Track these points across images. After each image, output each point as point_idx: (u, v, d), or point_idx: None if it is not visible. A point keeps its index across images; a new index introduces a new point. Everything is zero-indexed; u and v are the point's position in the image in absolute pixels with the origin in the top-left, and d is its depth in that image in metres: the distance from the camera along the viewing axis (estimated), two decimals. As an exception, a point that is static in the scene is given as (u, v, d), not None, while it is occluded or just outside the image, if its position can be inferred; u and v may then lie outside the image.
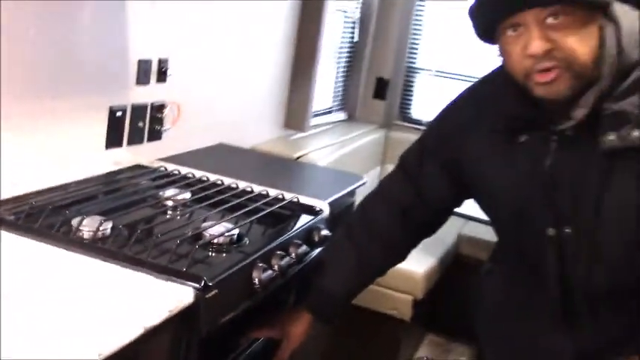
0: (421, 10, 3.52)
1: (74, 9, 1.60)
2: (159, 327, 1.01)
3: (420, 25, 3.53)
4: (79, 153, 1.72)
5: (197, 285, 1.10)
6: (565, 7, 1.04)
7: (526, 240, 1.25)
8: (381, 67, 3.54)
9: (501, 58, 1.15)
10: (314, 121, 3.02)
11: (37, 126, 1.56)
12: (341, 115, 3.47)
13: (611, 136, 1.09)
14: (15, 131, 1.49)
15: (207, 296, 1.10)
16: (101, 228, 1.24)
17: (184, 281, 1.10)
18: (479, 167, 1.27)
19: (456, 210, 1.46)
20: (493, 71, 1.29)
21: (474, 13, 1.14)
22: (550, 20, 1.05)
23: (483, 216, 1.36)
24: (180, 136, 2.08)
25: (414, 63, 3.58)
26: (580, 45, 1.06)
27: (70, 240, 1.20)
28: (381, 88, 3.56)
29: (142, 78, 1.90)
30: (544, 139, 1.16)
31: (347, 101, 3.53)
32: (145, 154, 1.92)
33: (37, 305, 0.98)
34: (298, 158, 2.55)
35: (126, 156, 1.86)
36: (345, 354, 2.49)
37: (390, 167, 3.36)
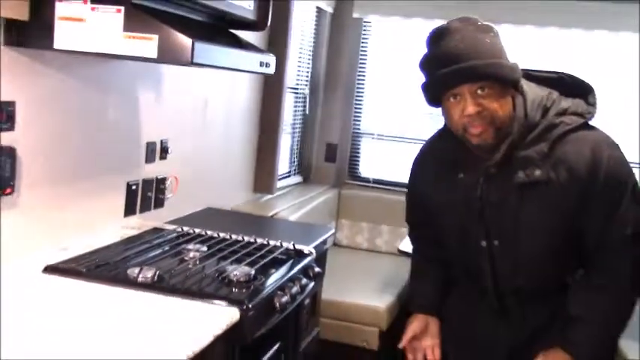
0: (362, 83, 4.05)
1: (100, 104, 2.00)
2: (219, 337, 1.40)
3: (361, 95, 4.06)
4: (105, 221, 2.09)
5: (241, 307, 1.50)
6: (488, 82, 1.43)
7: (467, 250, 1.61)
8: (329, 134, 4.03)
9: (445, 118, 1.54)
10: (277, 185, 3.46)
11: (73, 202, 1.93)
12: (298, 178, 3.93)
13: (520, 174, 1.48)
14: (56, 207, 1.87)
15: (248, 314, 1.50)
16: (152, 274, 1.62)
17: (231, 305, 1.50)
18: (431, 200, 1.66)
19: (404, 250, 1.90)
20: (436, 133, 1.71)
21: (426, 88, 1.51)
22: (479, 91, 1.43)
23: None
24: (178, 203, 2.48)
25: (358, 129, 4.09)
26: (500, 108, 1.45)
27: (136, 283, 1.58)
28: (330, 153, 4.05)
29: (150, 157, 2.30)
30: (475, 176, 1.54)
31: (302, 165, 3.99)
32: (153, 219, 2.30)
33: (129, 325, 1.36)
34: (273, 216, 2.97)
35: (138, 222, 2.24)
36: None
37: (344, 221, 3.86)
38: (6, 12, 1.53)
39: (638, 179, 1.52)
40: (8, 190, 1.64)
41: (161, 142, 2.35)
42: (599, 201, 1.47)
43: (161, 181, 2.37)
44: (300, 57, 3.74)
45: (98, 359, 1.21)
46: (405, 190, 1.83)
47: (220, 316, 1.46)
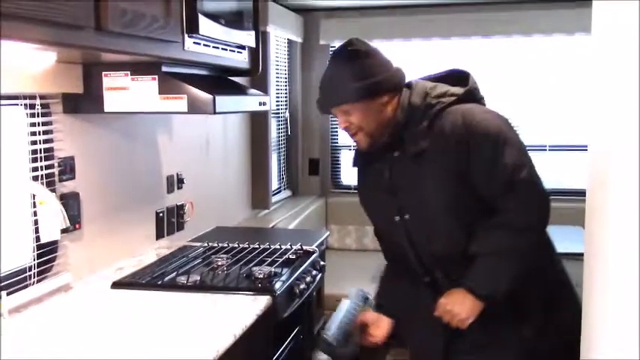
0: (334, 102, 4.52)
1: (131, 150, 2.45)
2: (259, 317, 1.86)
3: (335, 113, 4.53)
4: (143, 244, 2.54)
5: (272, 294, 1.96)
6: (346, 105, 1.71)
7: (387, 226, 1.81)
8: (311, 150, 4.50)
9: None
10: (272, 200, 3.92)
11: (118, 229, 2.37)
12: (288, 192, 4.39)
13: (411, 148, 1.70)
14: (108, 236, 2.31)
15: (277, 299, 1.96)
16: (197, 279, 2.07)
17: (264, 294, 1.96)
18: (363, 193, 1.90)
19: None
20: None
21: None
22: (346, 108, 1.71)
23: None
24: (194, 224, 2.92)
25: (336, 142, 4.57)
26: (364, 119, 1.71)
27: (186, 287, 2.03)
28: (313, 166, 4.52)
29: (170, 187, 2.75)
30: (384, 162, 1.77)
31: (290, 181, 4.46)
32: (178, 240, 2.74)
33: (189, 317, 1.81)
34: (273, 227, 3.43)
35: (167, 243, 2.68)
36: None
37: (333, 226, 4.33)
38: (64, 88, 1.97)
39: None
40: (77, 226, 2.08)
41: (177, 174, 2.80)
42: (477, 157, 1.65)
43: (180, 207, 2.81)
44: (277, 84, 4.21)
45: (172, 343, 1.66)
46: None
47: (257, 302, 1.92)
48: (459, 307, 1.68)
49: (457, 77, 1.80)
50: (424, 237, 1.74)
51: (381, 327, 1.91)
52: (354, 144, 1.83)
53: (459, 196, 1.68)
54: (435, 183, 1.69)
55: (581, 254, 1.69)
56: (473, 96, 1.77)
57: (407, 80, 1.79)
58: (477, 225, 1.69)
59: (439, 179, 1.68)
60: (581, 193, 1.89)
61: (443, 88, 1.75)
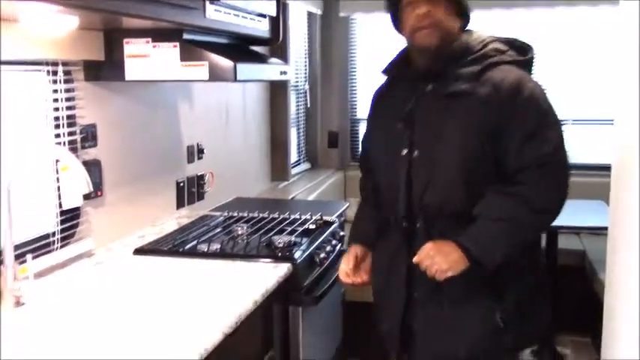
0: (354, 74, 4.50)
1: (152, 119, 2.45)
2: (281, 282, 1.87)
3: (355, 85, 4.51)
4: (164, 213, 2.55)
5: (292, 262, 1.97)
6: None
7: (388, 159, 1.70)
8: (330, 123, 4.49)
9: (398, 27, 1.73)
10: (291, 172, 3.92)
11: (140, 198, 2.39)
12: (307, 165, 4.39)
13: (450, 87, 1.60)
14: (130, 204, 2.33)
15: (298, 267, 1.97)
16: (218, 247, 2.09)
17: (285, 261, 1.96)
18: (374, 120, 1.82)
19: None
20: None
21: (388, 8, 1.73)
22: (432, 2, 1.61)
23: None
24: (215, 194, 2.93)
25: (355, 115, 4.55)
26: (446, 20, 1.63)
27: (207, 254, 2.05)
28: (333, 139, 4.51)
29: (190, 157, 2.76)
30: (410, 93, 1.67)
31: (309, 153, 4.45)
32: (198, 210, 2.75)
33: (212, 282, 1.82)
34: (292, 198, 3.44)
35: (187, 212, 2.69)
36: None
37: (351, 199, 4.32)
38: (86, 55, 1.97)
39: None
40: (99, 193, 2.09)
41: (197, 144, 2.81)
42: (520, 121, 1.57)
43: (200, 178, 2.82)
44: (297, 56, 4.18)
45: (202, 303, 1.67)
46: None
47: (278, 269, 1.93)
48: (443, 257, 1.57)
49: (519, 46, 1.71)
50: (424, 181, 1.64)
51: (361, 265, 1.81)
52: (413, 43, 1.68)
53: (479, 154, 1.59)
54: (460, 131, 1.60)
55: (604, 228, 1.68)
56: (529, 68, 1.70)
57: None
58: (483, 190, 1.60)
59: (466, 129, 1.59)
60: (604, 168, 1.85)
61: (503, 46, 1.68)
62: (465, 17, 1.71)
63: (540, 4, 3.98)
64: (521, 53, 1.69)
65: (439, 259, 1.57)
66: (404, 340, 1.73)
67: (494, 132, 1.58)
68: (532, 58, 1.70)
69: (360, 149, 1.98)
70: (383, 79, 1.86)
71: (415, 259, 1.61)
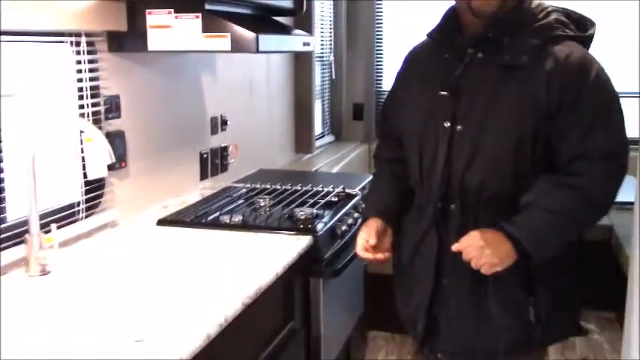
0: (380, 45, 4.45)
1: (176, 90, 2.45)
2: (302, 254, 1.87)
3: (381, 56, 4.47)
4: (187, 184, 2.57)
5: (314, 234, 1.97)
6: None
7: (428, 133, 1.54)
8: (355, 95, 4.45)
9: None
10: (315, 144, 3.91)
11: (163, 169, 2.40)
12: (331, 137, 4.37)
13: (507, 57, 1.45)
14: (153, 175, 2.34)
15: (319, 239, 1.97)
16: (240, 218, 2.10)
17: (307, 234, 1.97)
18: (407, 84, 1.65)
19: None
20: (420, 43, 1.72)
21: None
22: None
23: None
24: (238, 166, 2.94)
25: (381, 87, 4.51)
26: None
27: (230, 226, 2.06)
28: (358, 112, 4.48)
29: (214, 129, 2.76)
30: (460, 57, 1.50)
31: (334, 126, 4.43)
32: (222, 181, 2.76)
33: (235, 254, 1.83)
34: (316, 171, 3.43)
35: (211, 184, 2.71)
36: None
37: (376, 172, 4.30)
38: (109, 26, 1.97)
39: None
40: (123, 164, 2.11)
41: (220, 116, 2.81)
42: (585, 106, 1.41)
43: (224, 149, 2.83)
44: (322, 27, 4.14)
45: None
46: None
47: (299, 241, 1.93)
48: (494, 249, 1.43)
49: (576, 19, 1.55)
50: (466, 159, 1.48)
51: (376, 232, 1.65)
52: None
53: (532, 135, 1.43)
54: (515, 107, 1.44)
55: (631, 203, 1.64)
56: (588, 46, 1.54)
57: None
58: (530, 175, 1.46)
59: (522, 105, 1.43)
60: (633, 142, 1.79)
61: (565, 18, 1.51)
62: None
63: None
64: (581, 29, 1.53)
65: (489, 251, 1.43)
66: (427, 328, 1.64)
67: (553, 113, 1.42)
68: (593, 35, 1.54)
69: (382, 114, 1.82)
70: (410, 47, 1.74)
71: (457, 247, 1.48)
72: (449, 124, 1.49)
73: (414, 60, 1.70)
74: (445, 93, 1.50)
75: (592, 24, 1.55)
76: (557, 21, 1.50)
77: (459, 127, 1.49)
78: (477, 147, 1.47)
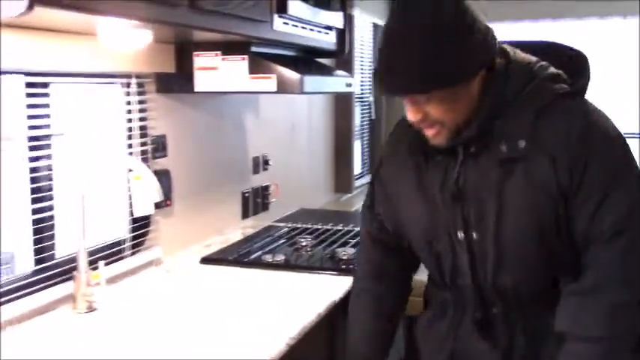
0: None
1: (219, 130, 2.50)
2: (344, 296, 1.86)
3: (419, 98, 4.48)
4: (229, 223, 2.59)
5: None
6: (429, 93, 1.18)
7: (441, 242, 1.34)
8: (394, 135, 4.45)
9: None
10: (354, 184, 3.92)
11: (206, 207, 2.43)
12: (369, 177, 4.36)
13: (503, 148, 1.23)
14: (197, 213, 2.37)
15: (362, 280, 1.96)
16: (282, 257, 2.10)
17: (348, 274, 1.96)
18: (397, 186, 1.40)
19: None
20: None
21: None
22: (423, 97, 1.19)
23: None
24: (279, 205, 2.95)
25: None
26: (448, 112, 1.21)
27: (272, 265, 2.06)
28: (397, 152, 4.47)
29: (255, 168, 2.79)
30: (454, 156, 1.29)
31: (372, 165, 4.43)
32: (263, 220, 2.78)
33: (278, 293, 1.83)
34: (355, 210, 3.43)
35: (252, 222, 2.72)
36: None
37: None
38: (158, 67, 2.03)
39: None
40: (168, 203, 2.14)
41: (262, 155, 2.84)
42: (593, 179, 1.22)
43: (265, 189, 2.85)
44: (362, 68, 4.19)
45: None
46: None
47: (341, 282, 1.92)
48: None
49: (559, 54, 1.33)
50: (492, 262, 1.30)
51: None
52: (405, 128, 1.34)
53: (553, 220, 1.24)
54: (526, 199, 1.24)
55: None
56: (585, 89, 1.31)
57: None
58: (564, 257, 1.27)
59: (533, 190, 1.23)
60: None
61: (550, 68, 1.28)
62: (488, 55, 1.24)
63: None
64: (574, 70, 1.31)
65: None
66: None
67: (566, 190, 1.23)
68: (587, 83, 1.32)
69: (369, 210, 1.56)
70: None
71: None
72: (463, 234, 1.31)
73: (395, 158, 1.43)
74: (448, 199, 1.31)
75: (583, 59, 1.34)
76: (545, 79, 1.27)
77: (475, 236, 1.30)
78: (501, 248, 1.29)
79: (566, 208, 1.24)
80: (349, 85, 2.37)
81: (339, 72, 2.46)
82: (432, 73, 1.16)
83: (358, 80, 4.07)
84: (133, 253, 2.01)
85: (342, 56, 2.52)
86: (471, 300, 1.36)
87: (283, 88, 1.95)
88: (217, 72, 2.01)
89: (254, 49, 1.99)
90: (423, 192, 1.35)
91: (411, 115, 1.24)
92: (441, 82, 1.18)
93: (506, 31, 3.91)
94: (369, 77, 4.32)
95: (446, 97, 1.20)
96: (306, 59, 2.38)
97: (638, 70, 3.69)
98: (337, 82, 2.31)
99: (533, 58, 1.30)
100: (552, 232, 1.25)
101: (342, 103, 3.71)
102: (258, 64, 1.96)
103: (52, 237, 1.74)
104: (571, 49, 1.36)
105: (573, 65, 1.31)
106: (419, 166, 1.36)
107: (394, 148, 1.44)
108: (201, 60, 2.02)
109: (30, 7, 1.12)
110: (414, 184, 1.37)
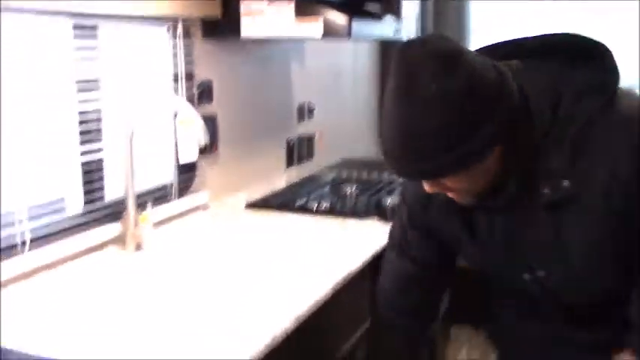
0: (466, 38, 4.35)
1: (265, 78, 2.48)
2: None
3: (468, 44, 4.35)
4: (274, 171, 2.59)
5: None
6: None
7: (510, 280, 1.30)
8: (441, 86, 4.36)
9: None
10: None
11: (251, 155, 2.43)
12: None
13: (545, 191, 1.11)
14: (242, 160, 2.38)
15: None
16: (328, 204, 2.10)
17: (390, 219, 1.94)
18: (443, 234, 1.30)
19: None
20: None
21: None
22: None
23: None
24: (323, 154, 2.94)
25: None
26: (469, 184, 1.10)
27: (318, 211, 2.06)
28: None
29: (300, 117, 2.77)
30: (492, 209, 1.19)
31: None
32: (307, 169, 2.77)
33: (324, 238, 1.83)
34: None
35: (296, 171, 2.72)
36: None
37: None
38: (204, 12, 2.01)
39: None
40: (215, 149, 2.15)
41: (307, 104, 2.82)
42: None
43: (310, 137, 2.84)
44: (409, 15, 4.08)
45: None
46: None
47: (387, 230, 1.91)
48: None
49: (576, 47, 1.15)
50: (565, 290, 1.25)
51: None
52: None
53: (615, 245, 1.14)
54: (584, 231, 1.14)
55: None
56: (616, 90, 1.14)
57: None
58: (632, 270, 1.18)
59: (591, 225, 1.13)
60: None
61: (572, 82, 1.12)
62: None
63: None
64: (592, 57, 1.14)
65: None
66: None
67: (621, 223, 1.12)
68: (618, 80, 1.14)
69: (398, 220, 1.42)
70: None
71: None
72: (529, 276, 1.24)
73: (427, 208, 1.30)
74: (504, 249, 1.23)
75: (605, 50, 1.14)
76: (571, 101, 1.11)
77: (540, 274, 1.23)
78: (572, 280, 1.22)
79: (625, 232, 1.13)
80: (398, 30, 2.32)
81: (388, 18, 2.40)
82: (434, 162, 1.03)
83: (406, 27, 3.97)
84: (179, 197, 2.03)
85: (389, 2, 2.45)
86: (551, 316, 1.31)
87: (330, 32, 1.91)
88: (263, 17, 1.98)
89: (301, -8, 1.95)
90: (472, 242, 1.26)
91: (428, 189, 1.13)
92: (451, 171, 1.06)
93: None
94: (417, 26, 4.21)
95: (463, 175, 1.08)
96: (354, 4, 2.32)
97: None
98: (385, 28, 2.26)
99: (548, 78, 1.13)
100: (620, 254, 1.16)
101: (388, 52, 3.63)
102: (305, 7, 1.93)
103: (101, 179, 1.77)
104: (589, 41, 1.15)
105: (596, 63, 1.13)
106: (462, 214, 1.24)
107: (423, 202, 1.29)
108: (247, 5, 1.99)
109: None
110: (461, 233, 1.26)
